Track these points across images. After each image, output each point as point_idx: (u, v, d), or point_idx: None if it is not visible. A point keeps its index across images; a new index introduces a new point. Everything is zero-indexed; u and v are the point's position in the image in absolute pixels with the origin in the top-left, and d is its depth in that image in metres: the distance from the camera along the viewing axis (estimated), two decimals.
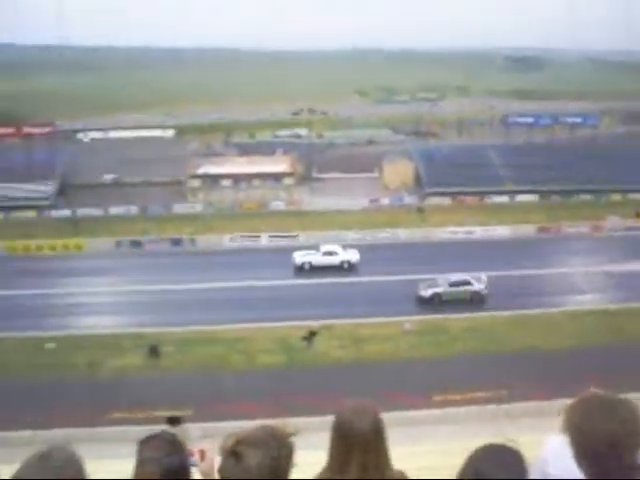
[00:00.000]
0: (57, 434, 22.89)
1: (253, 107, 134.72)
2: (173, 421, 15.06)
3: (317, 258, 48.75)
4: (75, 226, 58.77)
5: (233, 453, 2.49)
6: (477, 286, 42.42)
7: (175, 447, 2.63)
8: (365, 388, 26.00)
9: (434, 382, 29.31)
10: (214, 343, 35.99)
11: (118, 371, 33.28)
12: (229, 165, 73.00)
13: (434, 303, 41.79)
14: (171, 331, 37.58)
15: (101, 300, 44.12)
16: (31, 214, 63.33)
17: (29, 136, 70.34)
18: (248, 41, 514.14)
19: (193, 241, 55.44)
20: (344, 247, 49.99)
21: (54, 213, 63.78)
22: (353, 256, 49.10)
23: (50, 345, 36.09)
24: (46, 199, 64.84)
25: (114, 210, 63.95)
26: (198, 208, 65.18)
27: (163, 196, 67.02)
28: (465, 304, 41.34)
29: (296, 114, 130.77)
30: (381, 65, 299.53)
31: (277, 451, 2.51)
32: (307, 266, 48.61)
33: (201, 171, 70.74)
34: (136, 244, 55.02)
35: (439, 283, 42.82)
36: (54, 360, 34.34)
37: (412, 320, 38.17)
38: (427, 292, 42.41)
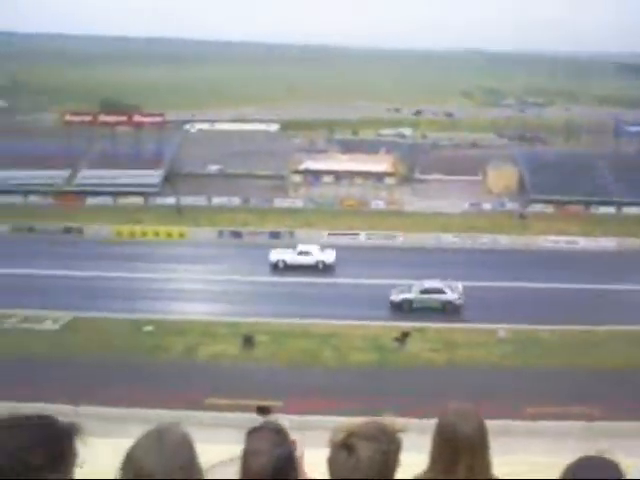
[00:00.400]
0: (151, 414, 23.55)
1: (355, 105, 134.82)
2: (263, 411, 15.28)
3: (292, 257, 48.60)
4: (179, 214, 60.36)
5: (345, 445, 2.48)
6: (450, 295, 40.69)
7: (282, 437, 2.65)
8: (456, 393, 25.70)
9: (526, 392, 28.66)
10: (307, 337, 36.34)
11: (213, 358, 34.05)
12: (331, 162, 73.10)
13: (404, 309, 40.47)
14: (266, 322, 38.15)
15: (200, 287, 45.15)
16: (138, 200, 65.14)
17: (139, 125, 72.47)
18: (352, 39, 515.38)
19: (292, 235, 55.95)
20: (321, 248, 49.56)
21: (160, 200, 65.29)
22: (329, 257, 48.69)
23: (148, 328, 37.22)
24: (153, 186, 66.41)
25: (217, 200, 65.15)
26: (299, 203, 65.58)
27: (265, 189, 67.88)
28: (438, 313, 39.96)
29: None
30: (484, 67, 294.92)
31: (387, 446, 2.49)
32: (281, 264, 48.46)
33: (303, 167, 71.21)
34: (236, 235, 56.05)
35: (411, 289, 41.22)
36: (151, 342, 35.45)
37: (507, 328, 37.50)
38: (397, 297, 40.99)
